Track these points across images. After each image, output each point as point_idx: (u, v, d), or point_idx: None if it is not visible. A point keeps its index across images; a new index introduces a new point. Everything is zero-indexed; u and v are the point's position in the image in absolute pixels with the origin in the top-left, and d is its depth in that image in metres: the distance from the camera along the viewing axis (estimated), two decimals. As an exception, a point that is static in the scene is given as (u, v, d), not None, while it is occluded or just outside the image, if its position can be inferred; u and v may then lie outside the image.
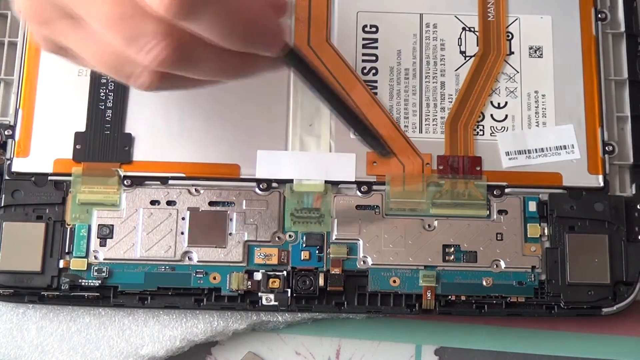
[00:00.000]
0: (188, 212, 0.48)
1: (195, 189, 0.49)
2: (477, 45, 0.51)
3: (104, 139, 0.49)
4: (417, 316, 0.49)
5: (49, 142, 0.49)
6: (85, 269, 0.47)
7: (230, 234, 0.48)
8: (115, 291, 0.47)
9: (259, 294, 0.47)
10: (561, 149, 0.49)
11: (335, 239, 0.48)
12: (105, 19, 0.35)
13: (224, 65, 0.37)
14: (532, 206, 0.49)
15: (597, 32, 0.51)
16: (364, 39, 0.51)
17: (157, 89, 0.37)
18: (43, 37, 0.39)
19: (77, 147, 0.49)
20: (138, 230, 0.48)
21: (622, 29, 0.52)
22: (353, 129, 0.43)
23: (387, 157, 0.46)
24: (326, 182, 0.49)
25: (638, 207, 0.49)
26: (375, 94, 0.50)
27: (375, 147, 0.44)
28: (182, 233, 0.48)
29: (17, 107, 0.49)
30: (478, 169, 0.49)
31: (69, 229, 0.48)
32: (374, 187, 0.49)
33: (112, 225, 0.48)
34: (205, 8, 0.34)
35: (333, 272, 0.47)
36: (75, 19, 0.36)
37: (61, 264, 0.47)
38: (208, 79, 0.38)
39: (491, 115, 0.50)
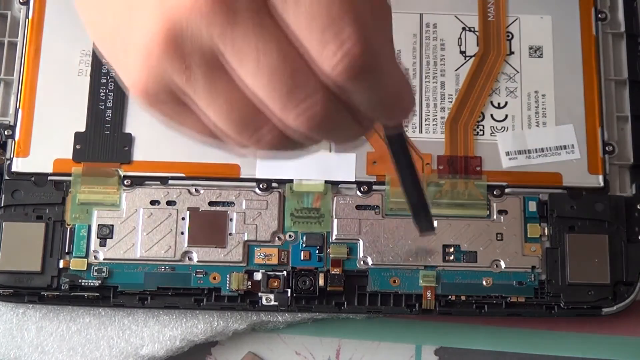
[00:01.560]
0: (188, 212, 0.48)
1: (195, 189, 0.49)
2: (477, 45, 0.51)
3: (104, 139, 0.49)
4: (417, 316, 0.49)
5: (49, 142, 0.49)
6: (85, 269, 0.47)
7: (230, 234, 0.48)
8: (115, 291, 0.47)
9: (259, 294, 0.47)
10: (561, 149, 0.49)
11: (335, 239, 0.48)
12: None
13: (355, 133, 0.35)
14: (532, 206, 0.48)
15: (597, 32, 0.51)
16: (364, 39, 0.51)
17: (277, 149, 0.34)
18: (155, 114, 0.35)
19: (77, 147, 0.49)
20: (138, 230, 0.48)
21: (622, 29, 0.52)
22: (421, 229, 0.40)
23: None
24: (326, 182, 0.49)
25: (638, 207, 0.49)
26: (375, 94, 0.50)
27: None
28: (182, 233, 0.48)
29: (17, 107, 0.49)
30: (478, 169, 0.49)
31: (68, 229, 0.48)
32: (374, 187, 0.49)
33: (112, 225, 0.48)
34: (374, 71, 0.31)
35: (333, 272, 0.47)
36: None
37: (61, 264, 0.47)
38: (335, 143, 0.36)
39: (491, 115, 0.50)
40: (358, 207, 0.48)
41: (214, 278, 0.47)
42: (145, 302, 0.47)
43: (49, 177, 0.48)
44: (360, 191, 0.49)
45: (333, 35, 0.30)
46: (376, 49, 0.30)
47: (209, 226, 0.48)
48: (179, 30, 0.30)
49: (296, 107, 0.31)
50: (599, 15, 0.52)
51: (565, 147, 0.50)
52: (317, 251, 0.48)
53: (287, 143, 0.33)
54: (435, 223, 0.48)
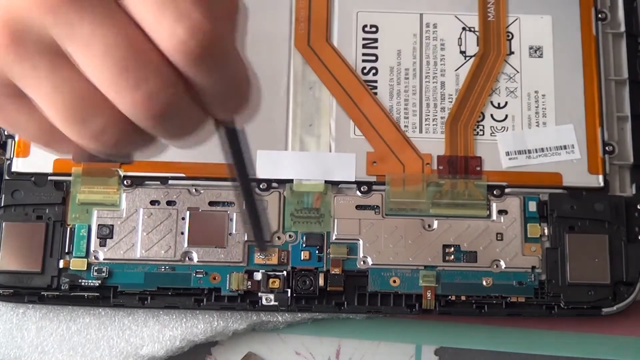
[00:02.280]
0: (188, 212, 0.48)
1: (195, 189, 0.49)
2: (477, 45, 0.51)
3: (104, 139, 0.49)
4: (417, 316, 0.49)
5: (49, 142, 0.49)
6: (85, 269, 0.47)
7: (230, 234, 0.48)
8: (115, 291, 0.47)
9: (259, 294, 0.47)
10: (561, 149, 0.49)
11: (335, 239, 0.48)
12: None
13: (198, 125, 0.33)
14: (532, 206, 0.48)
15: (597, 32, 0.51)
16: (364, 39, 0.51)
17: (115, 150, 0.32)
18: None
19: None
20: (138, 230, 0.48)
21: (622, 29, 0.52)
22: (247, 219, 0.40)
23: (262, 251, 0.46)
24: (326, 182, 0.49)
25: (638, 207, 0.49)
26: (375, 94, 0.50)
27: (257, 239, 0.41)
28: (182, 233, 0.48)
29: (17, 107, 0.49)
30: (478, 169, 0.49)
31: (69, 229, 0.48)
32: (374, 187, 0.49)
33: (112, 225, 0.48)
34: (218, 54, 0.30)
35: (333, 272, 0.47)
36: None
37: (61, 264, 0.47)
38: (176, 138, 0.33)
39: (491, 115, 0.50)
40: (358, 207, 0.48)
41: (214, 278, 0.47)
42: (145, 302, 0.47)
43: (49, 177, 0.48)
44: (360, 191, 0.49)
45: (176, 13, 0.29)
46: (220, 32, 0.30)
47: (209, 226, 0.48)
48: (20, 21, 0.29)
49: (132, 89, 0.30)
50: (599, 15, 0.52)
51: (565, 147, 0.50)
52: (317, 251, 0.48)
53: (125, 140, 0.32)
54: (436, 223, 0.48)
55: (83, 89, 0.30)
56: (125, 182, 0.48)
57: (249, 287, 0.47)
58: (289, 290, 0.47)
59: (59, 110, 0.31)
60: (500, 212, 0.48)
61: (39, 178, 0.48)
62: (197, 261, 0.47)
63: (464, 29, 0.52)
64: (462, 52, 0.51)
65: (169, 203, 0.48)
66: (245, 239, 0.47)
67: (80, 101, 0.30)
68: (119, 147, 0.32)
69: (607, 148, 0.50)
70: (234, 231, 0.48)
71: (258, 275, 0.47)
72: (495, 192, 0.49)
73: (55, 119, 0.31)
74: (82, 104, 0.30)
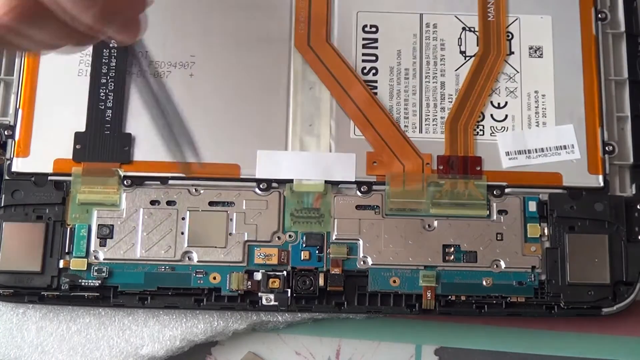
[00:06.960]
0: (188, 212, 0.48)
1: (195, 189, 0.49)
2: (477, 45, 0.51)
3: (104, 139, 0.49)
4: (417, 316, 0.49)
5: (49, 142, 0.49)
6: (85, 269, 0.47)
7: (230, 234, 0.48)
8: (115, 291, 0.47)
9: (259, 294, 0.47)
10: (561, 149, 0.49)
11: (335, 239, 0.48)
12: None
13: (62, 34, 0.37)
14: (532, 206, 0.49)
15: (597, 32, 0.51)
16: (364, 39, 0.51)
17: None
18: None
19: (77, 147, 0.49)
20: (138, 230, 0.48)
21: (622, 29, 0.52)
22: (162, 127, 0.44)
23: (186, 172, 0.47)
24: (326, 182, 0.49)
25: (638, 207, 0.49)
26: (375, 94, 0.50)
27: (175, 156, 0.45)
28: (182, 233, 0.48)
29: (17, 107, 0.49)
30: (478, 169, 0.49)
31: (69, 229, 0.48)
32: (374, 187, 0.49)
33: (112, 225, 0.48)
34: None
35: (333, 272, 0.47)
36: None
37: (61, 264, 0.47)
38: (46, 41, 0.37)
39: (491, 115, 0.50)
40: (358, 207, 0.48)
41: (214, 278, 0.47)
42: (145, 302, 0.47)
43: (49, 177, 0.48)
44: (360, 191, 0.49)
45: None
46: None
47: (209, 226, 0.48)
48: None
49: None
50: (599, 15, 0.52)
51: (565, 147, 0.50)
52: (317, 251, 0.48)
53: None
54: (436, 223, 0.48)
55: None
56: (125, 182, 0.48)
57: (249, 287, 0.47)
58: (289, 290, 0.47)
59: None
60: (500, 212, 0.48)
61: (39, 178, 0.48)
62: (197, 261, 0.47)
63: (464, 29, 0.52)
64: (462, 52, 0.51)
65: (169, 203, 0.48)
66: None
67: None
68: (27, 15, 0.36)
69: (607, 148, 0.50)
70: (234, 231, 0.48)
71: (258, 275, 0.47)
72: (495, 192, 0.49)
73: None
74: None
